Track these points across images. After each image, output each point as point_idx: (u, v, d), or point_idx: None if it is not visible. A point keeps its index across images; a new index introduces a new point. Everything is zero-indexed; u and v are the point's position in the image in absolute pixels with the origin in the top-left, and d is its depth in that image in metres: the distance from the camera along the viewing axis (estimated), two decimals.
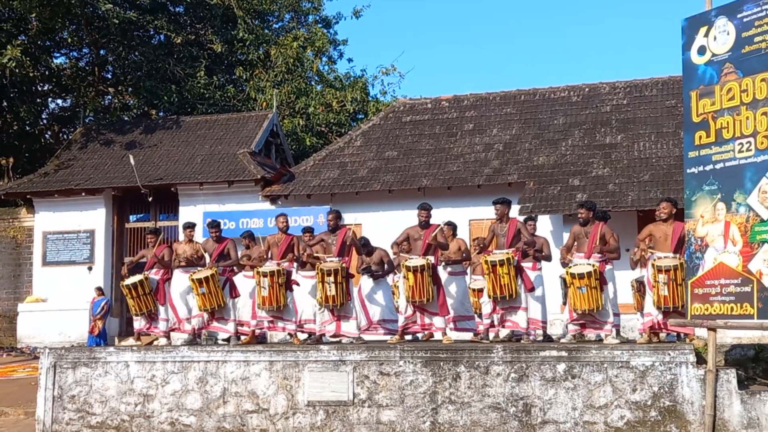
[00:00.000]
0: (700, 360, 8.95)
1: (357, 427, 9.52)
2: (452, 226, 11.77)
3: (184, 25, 26.97)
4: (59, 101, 27.72)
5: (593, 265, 9.89)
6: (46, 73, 25.45)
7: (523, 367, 9.15)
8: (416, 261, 10.37)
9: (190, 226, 11.81)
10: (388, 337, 11.12)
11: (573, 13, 58.37)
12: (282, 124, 24.52)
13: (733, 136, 8.42)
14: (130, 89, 26.71)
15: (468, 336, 11.40)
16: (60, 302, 18.70)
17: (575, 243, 10.40)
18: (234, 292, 11.50)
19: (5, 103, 25.47)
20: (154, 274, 11.58)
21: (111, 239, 19.45)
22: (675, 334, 10.33)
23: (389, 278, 11.84)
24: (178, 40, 25.23)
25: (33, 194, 19.70)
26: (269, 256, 11.20)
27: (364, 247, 11.46)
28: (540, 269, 11.30)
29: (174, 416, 10.24)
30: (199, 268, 11.17)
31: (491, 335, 10.77)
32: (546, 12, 58.59)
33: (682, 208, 9.25)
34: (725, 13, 8.66)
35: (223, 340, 11.79)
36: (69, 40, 25.19)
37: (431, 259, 10.47)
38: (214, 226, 11.62)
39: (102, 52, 26.13)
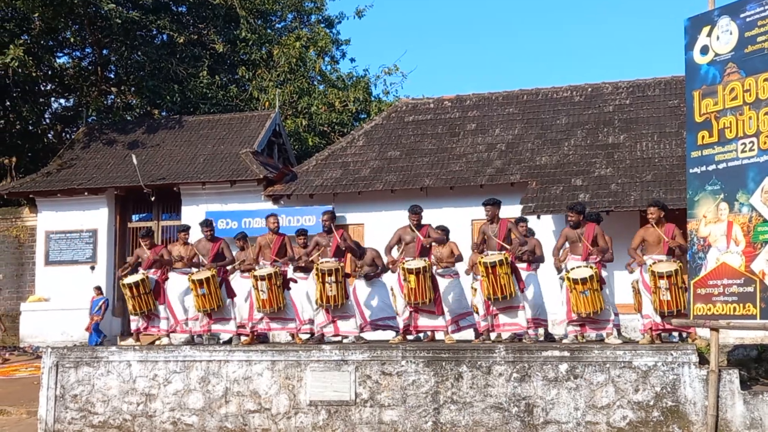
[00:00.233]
0: (703, 360, 8.94)
1: (359, 427, 9.52)
2: (445, 231, 11.71)
3: (186, 24, 26.98)
4: (62, 101, 27.78)
5: (591, 268, 9.91)
6: (49, 72, 25.46)
7: (526, 367, 9.14)
8: (415, 263, 10.36)
9: (184, 230, 11.95)
10: (389, 337, 11.13)
11: (576, 12, 58.37)
12: (284, 123, 24.52)
13: (735, 136, 8.41)
14: (132, 89, 26.74)
15: (471, 333, 11.41)
16: (62, 302, 18.70)
17: (568, 245, 10.46)
18: (230, 293, 11.51)
19: (8, 103, 25.51)
20: (153, 274, 11.61)
21: (114, 239, 19.46)
22: (676, 334, 10.35)
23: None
24: (181, 40, 25.23)
25: (36, 194, 19.71)
26: (261, 257, 11.26)
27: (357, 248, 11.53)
28: (534, 270, 11.34)
29: (176, 416, 10.25)
30: (197, 269, 11.18)
31: (493, 336, 10.78)
32: (549, 12, 58.60)
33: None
34: (728, 13, 8.65)
35: (224, 342, 11.79)
36: (72, 39, 25.22)
37: (428, 259, 10.50)
38: (207, 225, 11.63)
39: (105, 51, 26.16)
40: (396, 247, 10.90)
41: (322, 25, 29.97)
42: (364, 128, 20.33)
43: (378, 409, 9.51)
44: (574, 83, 19.86)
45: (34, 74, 22.94)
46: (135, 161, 18.93)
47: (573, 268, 10.07)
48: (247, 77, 27.17)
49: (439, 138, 18.97)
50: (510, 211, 14.52)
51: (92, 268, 19.13)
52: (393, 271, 11.18)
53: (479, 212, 16.82)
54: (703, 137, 8.73)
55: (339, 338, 11.09)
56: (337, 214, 17.15)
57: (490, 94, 20.16)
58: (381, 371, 9.58)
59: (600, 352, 9.01)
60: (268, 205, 18.14)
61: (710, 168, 8.62)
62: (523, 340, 10.37)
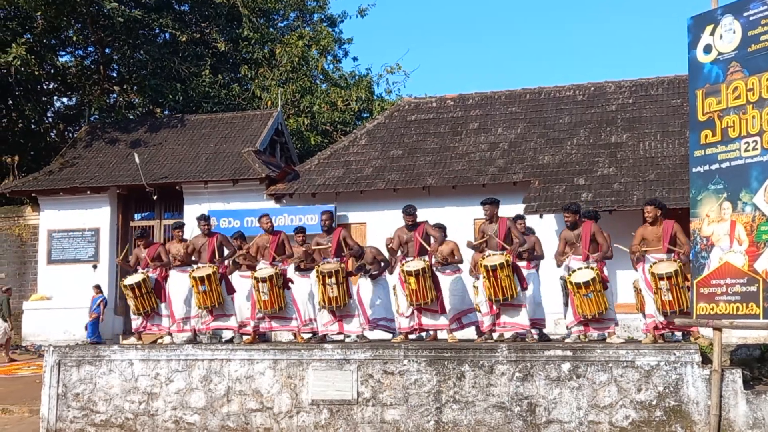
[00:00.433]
0: (706, 360, 8.92)
1: (361, 426, 9.51)
2: (442, 228, 11.66)
3: (189, 23, 27.00)
4: (64, 100, 27.84)
5: (593, 269, 9.88)
6: (52, 71, 25.48)
7: (528, 366, 9.12)
8: (414, 265, 10.34)
9: (178, 227, 12.01)
10: (390, 336, 11.11)
11: (578, 11, 58.32)
12: (287, 122, 24.53)
13: (739, 135, 8.39)
14: (135, 88, 26.75)
15: (473, 332, 11.38)
16: (65, 300, 18.72)
17: (567, 247, 10.44)
18: (230, 289, 11.50)
19: (10, 102, 25.54)
20: (152, 272, 11.61)
21: (116, 237, 19.47)
22: (678, 333, 10.32)
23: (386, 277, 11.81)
24: (183, 39, 25.25)
25: (38, 192, 19.73)
26: (260, 257, 11.27)
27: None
28: (534, 268, 11.31)
29: (178, 414, 10.25)
30: (197, 266, 11.18)
31: (495, 335, 10.76)
32: (551, 11, 58.56)
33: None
34: (731, 12, 8.63)
35: (227, 341, 11.78)
36: (74, 38, 25.25)
37: (427, 258, 10.48)
38: (203, 219, 11.63)
39: (107, 50, 26.18)
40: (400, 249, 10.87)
41: (325, 24, 29.99)
42: (366, 127, 20.33)
43: (380, 409, 9.50)
44: (577, 82, 19.88)
45: (36, 73, 22.95)
46: (137, 160, 18.93)
47: (575, 271, 10.05)
48: (249, 76, 27.18)
49: (442, 137, 18.95)
50: (512, 210, 14.48)
51: (94, 266, 19.14)
52: (390, 273, 11.20)
53: (481, 211, 16.85)
54: (706, 136, 8.71)
55: (341, 337, 11.08)
56: (339, 213, 17.22)
57: (493, 93, 20.14)
58: (383, 370, 9.57)
59: (602, 351, 8.99)
60: (271, 204, 18.14)
61: (713, 167, 8.60)
62: (526, 340, 10.35)
